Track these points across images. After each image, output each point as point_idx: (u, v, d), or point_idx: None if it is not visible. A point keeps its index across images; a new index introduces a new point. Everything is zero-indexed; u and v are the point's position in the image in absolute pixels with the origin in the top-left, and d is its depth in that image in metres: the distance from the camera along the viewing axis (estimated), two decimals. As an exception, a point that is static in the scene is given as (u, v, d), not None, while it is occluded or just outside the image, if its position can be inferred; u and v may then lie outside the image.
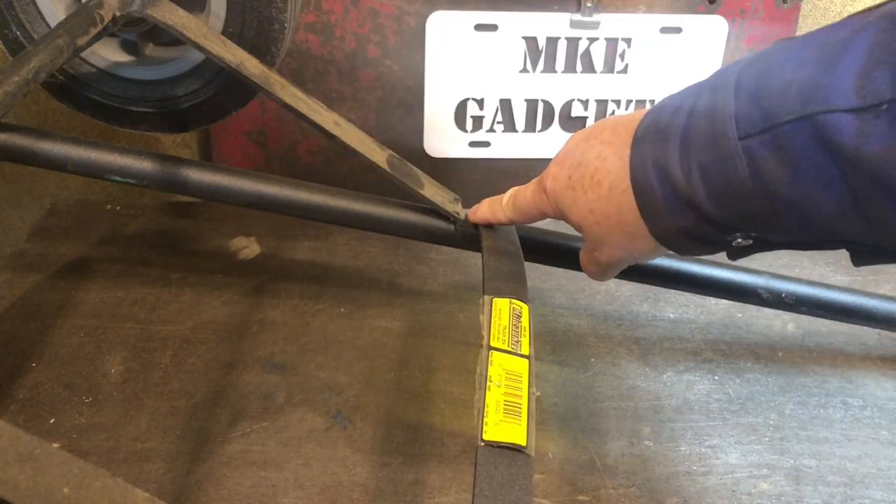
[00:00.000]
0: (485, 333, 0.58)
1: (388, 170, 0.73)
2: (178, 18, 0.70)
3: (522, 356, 0.57)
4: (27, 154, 0.70)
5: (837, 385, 0.82)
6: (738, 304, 0.89)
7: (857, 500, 0.69)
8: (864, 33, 0.40)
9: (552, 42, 1.08)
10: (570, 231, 0.81)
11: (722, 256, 0.55)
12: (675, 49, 1.10)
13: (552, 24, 1.07)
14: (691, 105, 0.48)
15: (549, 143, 1.13)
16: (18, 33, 0.77)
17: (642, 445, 0.73)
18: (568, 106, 1.11)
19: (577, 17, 1.06)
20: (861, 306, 0.82)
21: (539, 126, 1.12)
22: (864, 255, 0.48)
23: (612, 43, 1.08)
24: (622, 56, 1.09)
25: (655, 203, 0.50)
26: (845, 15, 1.16)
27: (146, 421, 0.71)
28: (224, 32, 0.77)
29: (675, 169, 0.48)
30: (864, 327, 0.87)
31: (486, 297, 0.61)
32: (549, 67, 1.09)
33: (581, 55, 1.08)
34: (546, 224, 0.71)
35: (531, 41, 1.07)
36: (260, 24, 0.77)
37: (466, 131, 1.12)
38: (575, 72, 1.09)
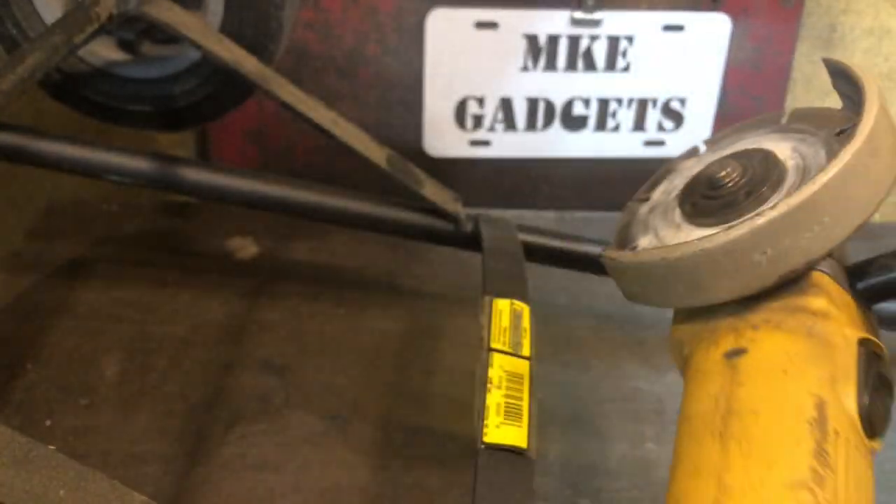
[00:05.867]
0: (485, 334, 0.57)
1: (387, 169, 0.73)
2: (175, 16, 0.70)
3: (523, 357, 0.56)
4: (23, 153, 0.70)
5: (841, 386, 0.81)
6: (740, 305, 0.89)
7: (862, 503, 0.68)
8: None
9: (553, 40, 1.07)
10: (570, 231, 0.80)
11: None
12: (678, 47, 1.09)
13: (553, 22, 1.06)
14: None
15: (550, 142, 1.13)
16: (14, 31, 0.77)
17: (645, 448, 0.72)
18: (569, 105, 1.11)
19: (579, 14, 1.06)
20: (865, 307, 0.81)
21: (540, 125, 1.12)
22: None
23: (613, 41, 1.08)
24: (624, 54, 1.08)
25: None
26: (850, 11, 1.15)
27: (143, 423, 0.70)
28: (221, 30, 0.77)
29: None
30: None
31: (487, 298, 0.60)
32: (551, 65, 1.08)
33: (582, 53, 1.08)
34: (547, 224, 0.70)
35: (532, 39, 1.07)
36: (258, 21, 0.76)
37: (466, 130, 1.12)
38: (576, 70, 1.09)
